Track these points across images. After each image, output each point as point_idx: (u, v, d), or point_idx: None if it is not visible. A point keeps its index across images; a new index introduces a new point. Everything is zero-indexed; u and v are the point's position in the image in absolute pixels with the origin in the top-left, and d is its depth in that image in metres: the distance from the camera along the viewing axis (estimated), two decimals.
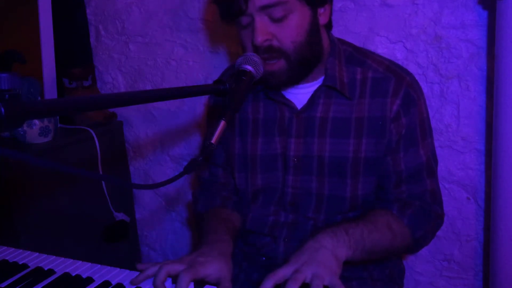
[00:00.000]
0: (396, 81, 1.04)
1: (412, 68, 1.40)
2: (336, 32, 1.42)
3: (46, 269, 0.93)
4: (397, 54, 1.42)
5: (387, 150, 1.05)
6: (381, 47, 1.42)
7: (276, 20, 0.96)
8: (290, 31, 0.97)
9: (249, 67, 0.90)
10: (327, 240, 0.91)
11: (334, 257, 0.88)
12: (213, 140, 0.78)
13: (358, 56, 1.09)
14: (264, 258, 1.15)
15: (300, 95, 1.09)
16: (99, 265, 0.95)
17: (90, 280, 0.89)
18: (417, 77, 1.39)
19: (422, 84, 1.40)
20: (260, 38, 0.95)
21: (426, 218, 1.07)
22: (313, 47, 1.01)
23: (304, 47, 0.98)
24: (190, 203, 1.85)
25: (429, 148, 1.08)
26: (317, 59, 1.04)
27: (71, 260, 0.97)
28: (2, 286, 0.89)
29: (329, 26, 1.09)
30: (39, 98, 1.59)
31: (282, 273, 0.84)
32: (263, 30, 0.95)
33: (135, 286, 0.88)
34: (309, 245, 0.90)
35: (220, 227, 1.07)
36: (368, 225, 0.98)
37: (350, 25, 1.44)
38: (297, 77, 1.03)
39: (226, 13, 1.00)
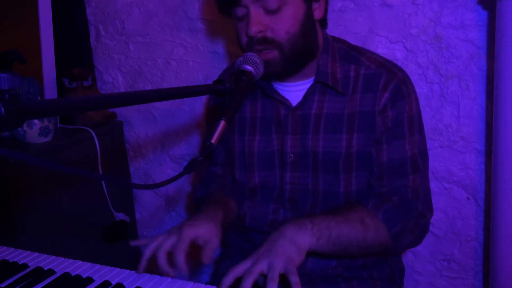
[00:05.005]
0: (387, 76, 1.04)
1: (412, 68, 1.40)
2: (336, 32, 1.43)
3: (46, 269, 0.94)
4: (397, 54, 1.42)
5: (373, 143, 1.06)
6: (381, 47, 1.42)
7: (271, 12, 0.96)
8: (284, 22, 0.97)
9: (249, 67, 0.90)
10: (288, 229, 0.92)
11: (293, 245, 0.89)
12: (213, 140, 0.78)
13: (353, 53, 1.09)
14: None
15: (295, 92, 1.09)
16: (99, 265, 0.95)
17: (90, 280, 0.90)
18: (417, 77, 1.40)
19: (422, 84, 1.41)
20: (254, 29, 0.96)
21: (403, 214, 1.04)
22: (307, 40, 1.01)
23: (298, 38, 0.99)
24: (190, 203, 1.85)
25: (416, 144, 1.07)
26: (311, 53, 1.05)
27: (71, 260, 0.97)
28: (2, 286, 0.89)
29: (323, 23, 1.10)
30: (39, 98, 1.59)
31: (241, 267, 0.86)
32: (258, 21, 0.96)
33: (135, 286, 0.88)
34: (270, 237, 0.92)
35: (212, 202, 1.10)
36: (337, 217, 0.98)
37: (350, 25, 1.45)
38: (290, 69, 1.04)
39: (222, 4, 1.02)
